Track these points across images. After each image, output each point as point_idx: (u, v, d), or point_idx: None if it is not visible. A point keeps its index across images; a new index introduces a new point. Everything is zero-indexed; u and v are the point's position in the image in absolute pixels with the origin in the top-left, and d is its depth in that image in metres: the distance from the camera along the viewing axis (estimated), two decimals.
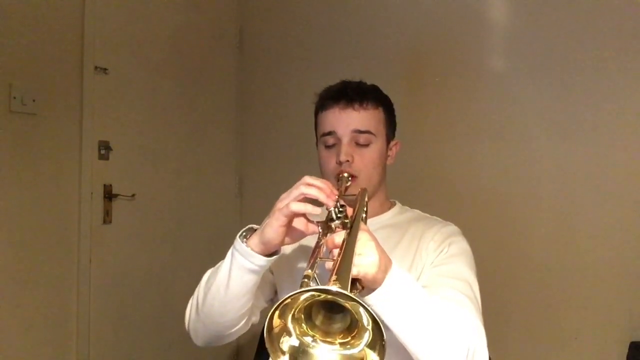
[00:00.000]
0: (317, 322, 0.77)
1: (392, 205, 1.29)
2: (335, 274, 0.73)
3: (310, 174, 0.98)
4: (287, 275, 1.18)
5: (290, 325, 0.75)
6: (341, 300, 0.71)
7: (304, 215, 0.95)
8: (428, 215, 1.26)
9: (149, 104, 2.32)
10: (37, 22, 1.92)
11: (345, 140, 1.17)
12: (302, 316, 0.75)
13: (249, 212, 2.64)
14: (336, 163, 1.16)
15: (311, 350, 0.76)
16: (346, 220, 0.91)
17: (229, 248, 1.00)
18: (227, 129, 2.69)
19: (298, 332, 0.76)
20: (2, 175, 1.82)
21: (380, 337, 0.70)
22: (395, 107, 1.28)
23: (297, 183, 0.95)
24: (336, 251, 0.82)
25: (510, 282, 1.88)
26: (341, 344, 0.76)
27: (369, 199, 1.12)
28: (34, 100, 1.89)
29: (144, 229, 2.29)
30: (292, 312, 0.74)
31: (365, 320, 0.71)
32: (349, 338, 0.76)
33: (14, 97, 1.84)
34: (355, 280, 0.84)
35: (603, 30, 1.74)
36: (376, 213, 1.23)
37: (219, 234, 2.44)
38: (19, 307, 1.86)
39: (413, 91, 2.12)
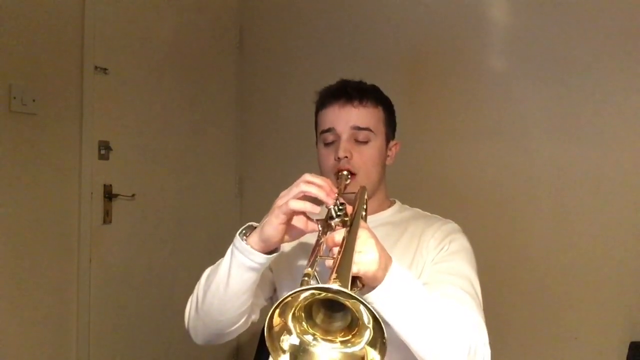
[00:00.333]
0: (318, 321, 0.77)
1: (392, 204, 1.29)
2: (336, 272, 0.73)
3: (311, 173, 0.97)
4: (286, 273, 1.18)
5: (290, 323, 0.75)
6: (341, 299, 0.71)
7: (303, 213, 0.95)
8: (428, 213, 1.26)
9: (149, 104, 2.32)
10: (37, 22, 1.92)
11: (344, 136, 1.17)
12: (303, 314, 0.75)
13: (249, 212, 2.64)
14: (335, 160, 1.16)
15: (312, 349, 0.76)
16: (346, 218, 0.91)
17: (229, 248, 1.00)
18: (227, 129, 2.69)
19: (298, 331, 0.76)
20: (2, 175, 1.82)
21: (381, 335, 0.70)
22: (395, 106, 1.28)
23: (297, 181, 0.95)
24: (336, 249, 0.82)
25: (510, 282, 1.88)
26: (342, 342, 0.76)
27: (368, 197, 1.12)
28: (34, 100, 1.89)
29: (144, 229, 2.29)
30: (292, 311, 0.74)
31: (366, 318, 0.71)
32: (350, 336, 0.75)
33: (14, 97, 1.84)
34: (355, 278, 0.84)
35: (603, 30, 1.74)
36: (375, 211, 1.23)
37: (219, 234, 2.44)
38: (19, 307, 1.86)
39: (413, 91, 2.12)
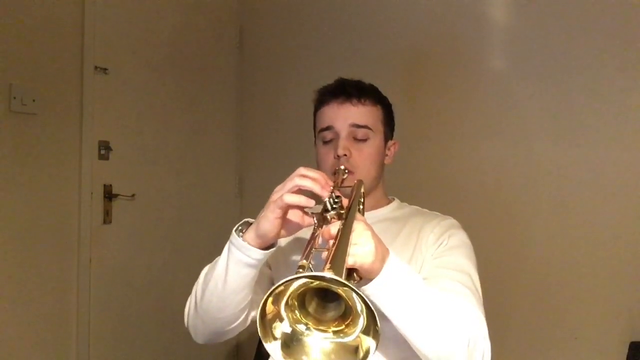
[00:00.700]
0: (311, 310, 0.77)
1: (391, 201, 1.29)
2: (330, 262, 0.73)
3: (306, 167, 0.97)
4: (284, 268, 1.18)
5: (283, 312, 0.75)
6: (334, 287, 0.71)
7: (299, 207, 0.94)
8: (427, 210, 1.27)
9: (149, 104, 2.32)
10: (37, 22, 1.92)
11: (343, 134, 1.17)
12: (296, 303, 0.75)
13: (249, 212, 2.60)
14: (334, 158, 1.16)
15: (304, 338, 0.76)
16: (342, 211, 0.90)
17: (225, 245, 1.00)
18: (227, 129, 2.69)
19: (291, 319, 0.76)
20: (2, 175, 1.82)
21: (373, 322, 0.70)
22: (395, 106, 1.28)
23: (292, 175, 0.95)
24: (332, 242, 0.82)
25: (510, 282, 1.88)
26: (335, 332, 0.76)
27: (366, 195, 1.12)
28: (34, 100, 1.89)
29: (144, 229, 2.29)
30: (285, 300, 0.74)
31: (359, 306, 0.71)
32: (343, 326, 0.75)
33: (14, 97, 1.84)
34: (352, 271, 0.83)
35: (603, 30, 1.74)
36: (374, 208, 1.23)
37: (219, 234, 2.42)
38: (19, 307, 1.86)
39: (413, 90, 2.12)
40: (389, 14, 2.21)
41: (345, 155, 1.15)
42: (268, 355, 0.78)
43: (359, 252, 0.83)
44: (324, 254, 0.80)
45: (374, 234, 0.86)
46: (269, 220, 0.93)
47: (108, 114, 2.14)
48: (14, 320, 1.85)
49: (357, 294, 0.68)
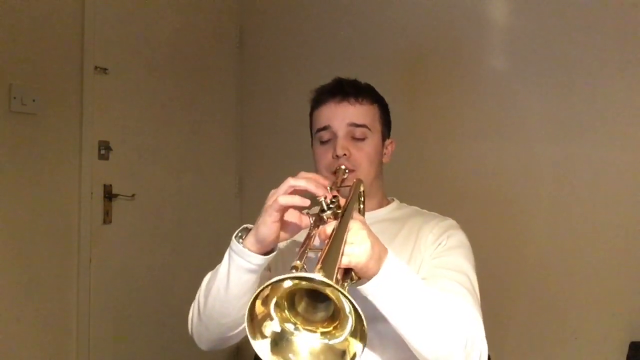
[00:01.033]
0: (300, 310, 0.77)
1: (390, 202, 1.29)
2: (321, 263, 0.72)
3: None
4: (282, 270, 1.17)
5: (273, 312, 0.74)
6: (321, 288, 0.70)
7: (295, 207, 0.94)
8: (426, 211, 1.26)
9: (149, 104, 2.32)
10: (37, 22, 1.92)
11: (341, 133, 1.17)
12: (285, 304, 0.75)
13: (249, 212, 2.64)
14: (332, 157, 1.16)
15: (293, 338, 0.76)
16: (338, 211, 0.90)
17: (226, 251, 1.00)
18: (227, 129, 2.69)
19: (281, 319, 0.75)
20: (2, 175, 1.82)
21: (361, 325, 0.69)
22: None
23: (286, 179, 0.94)
24: (327, 242, 0.81)
25: (510, 282, 1.88)
26: (323, 332, 0.76)
27: (365, 195, 1.11)
28: (34, 100, 1.89)
29: (144, 229, 2.29)
30: (275, 300, 0.74)
31: (347, 308, 0.70)
32: (331, 328, 0.75)
33: (14, 97, 1.84)
34: (349, 270, 0.83)
35: (603, 31, 1.74)
36: (374, 208, 1.23)
37: (219, 234, 2.44)
38: (19, 307, 1.86)
39: (413, 91, 2.12)
40: (389, 14, 2.21)
41: (345, 155, 1.15)
42: None
43: (355, 251, 0.82)
44: (315, 254, 0.79)
45: (370, 233, 0.86)
46: (266, 224, 0.92)
47: (108, 114, 2.14)
48: (14, 321, 1.85)
49: (344, 295, 0.68)
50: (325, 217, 0.89)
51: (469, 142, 2.00)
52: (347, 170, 1.13)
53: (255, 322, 0.74)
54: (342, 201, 0.93)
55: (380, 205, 1.25)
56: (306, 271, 0.74)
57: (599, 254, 1.74)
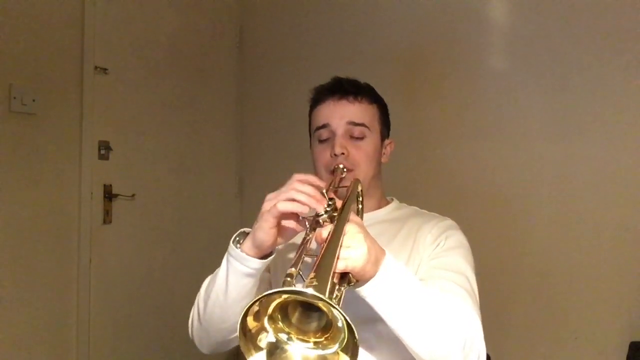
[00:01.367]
0: (293, 320, 0.76)
1: (389, 202, 1.28)
2: (314, 272, 0.71)
3: (306, 173, 0.96)
4: (281, 273, 1.17)
5: (266, 322, 0.74)
6: (312, 301, 0.69)
7: (293, 213, 0.93)
8: (425, 211, 1.26)
9: (149, 104, 2.32)
10: (37, 22, 1.92)
11: (339, 132, 1.16)
12: (279, 316, 0.74)
13: (249, 212, 2.64)
14: (331, 156, 1.15)
15: (286, 347, 0.75)
16: (335, 214, 0.89)
17: (224, 256, 1.00)
18: (227, 129, 2.69)
19: (274, 329, 0.75)
20: (2, 175, 1.82)
21: (352, 338, 0.69)
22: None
23: (288, 183, 0.93)
24: (322, 247, 0.80)
25: (510, 282, 1.88)
26: (315, 342, 0.75)
27: (364, 195, 1.11)
28: (34, 100, 1.89)
29: (144, 229, 2.29)
30: (268, 309, 0.73)
31: (340, 322, 0.69)
32: (323, 339, 0.74)
33: (14, 97, 1.84)
34: (346, 273, 0.82)
35: (603, 30, 1.74)
36: (373, 209, 1.22)
37: (219, 234, 2.42)
38: (19, 307, 1.86)
39: (413, 90, 2.12)
40: (389, 14, 2.21)
41: (343, 153, 1.14)
42: None
43: (351, 255, 0.81)
44: (308, 260, 0.78)
45: (367, 236, 0.85)
46: (264, 230, 0.92)
47: (108, 114, 2.14)
48: (14, 320, 1.85)
49: (337, 310, 0.67)
50: (321, 221, 0.88)
51: (468, 142, 2.00)
52: (345, 170, 1.13)
53: (248, 336, 0.73)
54: (339, 203, 0.92)
55: (380, 206, 1.25)
56: (302, 278, 0.74)
57: (599, 254, 1.74)
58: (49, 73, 1.95)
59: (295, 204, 0.90)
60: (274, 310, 0.73)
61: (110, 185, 2.15)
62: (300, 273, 0.75)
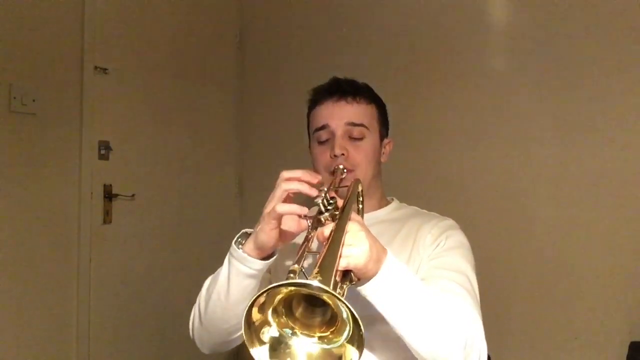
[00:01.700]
0: (298, 314, 0.76)
1: (390, 202, 1.28)
2: (318, 267, 0.72)
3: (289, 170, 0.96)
4: (282, 272, 1.17)
5: (270, 317, 0.74)
6: (317, 294, 0.70)
7: (294, 214, 0.93)
8: (425, 211, 1.26)
9: (149, 104, 2.32)
10: (37, 22, 1.92)
11: (339, 132, 1.16)
12: (283, 309, 0.75)
13: (249, 212, 2.64)
14: (330, 157, 1.16)
15: (290, 342, 0.76)
16: (336, 212, 0.89)
17: (229, 248, 1.00)
18: (227, 129, 2.69)
19: (278, 324, 0.75)
20: (2, 175, 1.82)
21: (358, 330, 0.69)
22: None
23: (277, 182, 0.94)
24: (325, 245, 0.81)
25: (510, 282, 1.88)
26: (320, 337, 0.75)
27: (365, 195, 1.11)
28: (34, 100, 1.89)
29: (144, 229, 2.28)
30: (272, 304, 0.73)
31: (345, 314, 0.70)
32: (328, 333, 0.75)
33: (14, 97, 1.84)
34: (348, 272, 0.82)
35: (603, 30, 1.74)
36: (373, 209, 1.23)
37: (219, 234, 2.44)
38: (19, 307, 1.86)
39: (413, 90, 2.12)
40: (388, 14, 2.21)
41: (343, 154, 1.15)
42: None
43: (353, 253, 0.82)
44: (312, 257, 0.79)
45: (368, 234, 0.85)
46: (265, 232, 0.92)
47: (108, 114, 2.14)
48: (14, 321, 1.85)
49: (342, 302, 0.68)
50: (323, 219, 0.89)
51: (468, 142, 2.00)
52: (345, 170, 1.13)
53: (252, 329, 0.74)
54: (340, 202, 0.92)
55: (380, 206, 1.25)
56: (304, 275, 0.74)
57: (599, 254, 1.74)
58: (49, 73, 1.95)
59: (295, 206, 0.91)
60: (278, 304, 0.74)
61: (110, 185, 2.15)
62: (303, 270, 0.76)
